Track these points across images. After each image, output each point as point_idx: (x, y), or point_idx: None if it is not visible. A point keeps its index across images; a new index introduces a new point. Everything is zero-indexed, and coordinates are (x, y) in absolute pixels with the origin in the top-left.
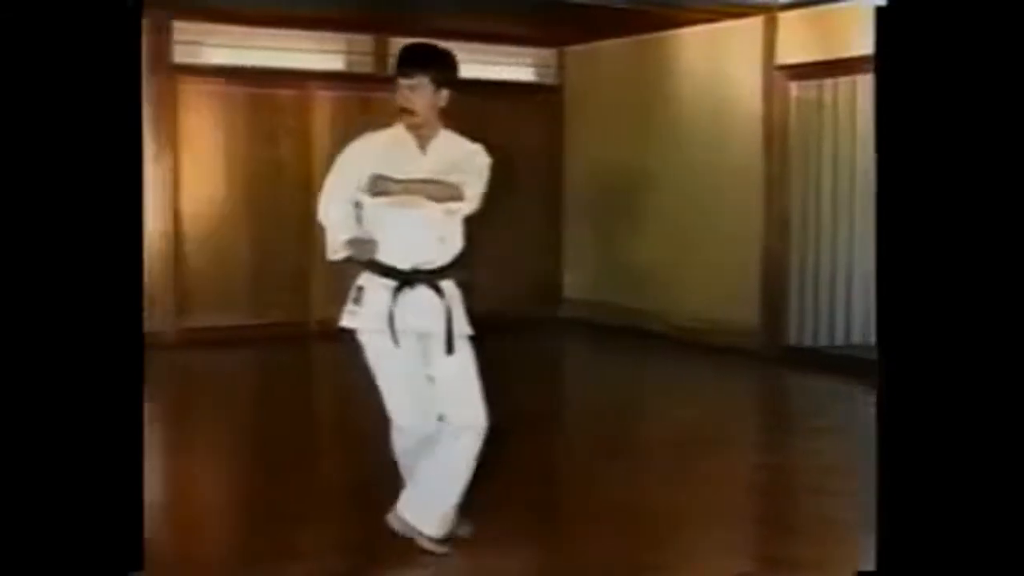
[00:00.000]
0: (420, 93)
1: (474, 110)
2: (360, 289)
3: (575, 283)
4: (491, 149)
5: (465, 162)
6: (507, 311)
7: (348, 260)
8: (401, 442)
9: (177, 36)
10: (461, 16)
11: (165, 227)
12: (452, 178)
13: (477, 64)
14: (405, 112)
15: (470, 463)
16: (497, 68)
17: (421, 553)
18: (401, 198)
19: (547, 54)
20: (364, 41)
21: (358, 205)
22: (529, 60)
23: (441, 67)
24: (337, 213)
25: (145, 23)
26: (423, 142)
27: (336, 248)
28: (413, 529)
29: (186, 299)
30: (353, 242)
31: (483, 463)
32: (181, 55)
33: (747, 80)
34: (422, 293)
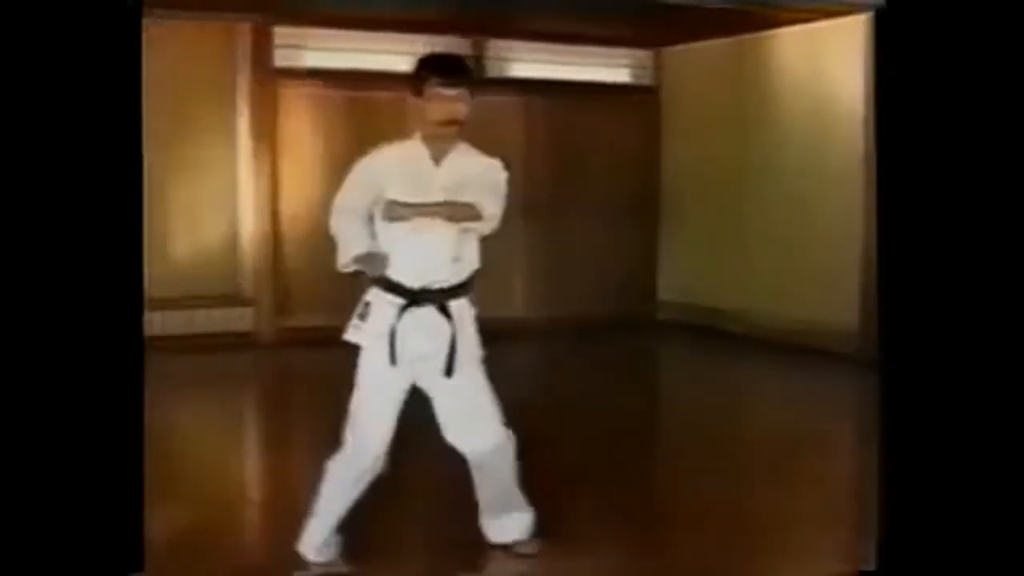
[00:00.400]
0: (465, 103)
1: (570, 112)
2: (367, 304)
3: (670, 285)
4: (587, 151)
5: (480, 178)
6: (601, 313)
7: (357, 274)
8: (343, 469)
9: (277, 40)
10: (557, 17)
11: (264, 229)
12: (467, 195)
13: (573, 66)
14: (449, 124)
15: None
16: (593, 70)
17: (515, 556)
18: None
19: (643, 55)
20: (461, 43)
21: (371, 219)
22: (625, 61)
23: (470, 76)
24: (349, 227)
25: (246, 28)
26: (438, 155)
27: (346, 262)
28: (531, 543)
29: (285, 300)
30: (364, 257)
31: (577, 467)
32: (281, 59)
33: (848, 80)
34: (427, 314)
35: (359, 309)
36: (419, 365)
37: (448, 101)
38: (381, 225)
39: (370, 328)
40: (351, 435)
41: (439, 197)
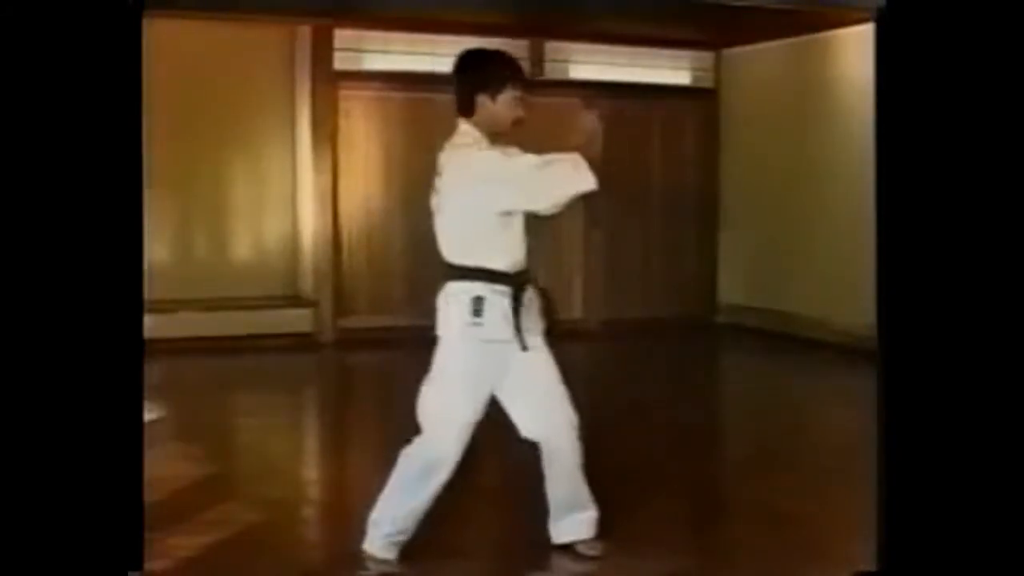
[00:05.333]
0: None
1: (631, 113)
2: (479, 299)
3: (732, 288)
4: (646, 152)
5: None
6: (662, 316)
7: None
8: (414, 463)
9: (337, 43)
10: (619, 19)
11: (325, 230)
12: None
13: (634, 67)
14: (518, 123)
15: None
16: (654, 71)
17: (576, 555)
18: None
19: (703, 57)
20: (520, 46)
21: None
22: (686, 63)
23: None
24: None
25: (307, 31)
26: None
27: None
28: (595, 544)
29: (345, 301)
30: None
31: (643, 471)
32: (341, 62)
33: None
34: (528, 297)
35: (470, 306)
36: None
37: (521, 102)
38: (483, 220)
39: (489, 321)
40: (427, 430)
41: None
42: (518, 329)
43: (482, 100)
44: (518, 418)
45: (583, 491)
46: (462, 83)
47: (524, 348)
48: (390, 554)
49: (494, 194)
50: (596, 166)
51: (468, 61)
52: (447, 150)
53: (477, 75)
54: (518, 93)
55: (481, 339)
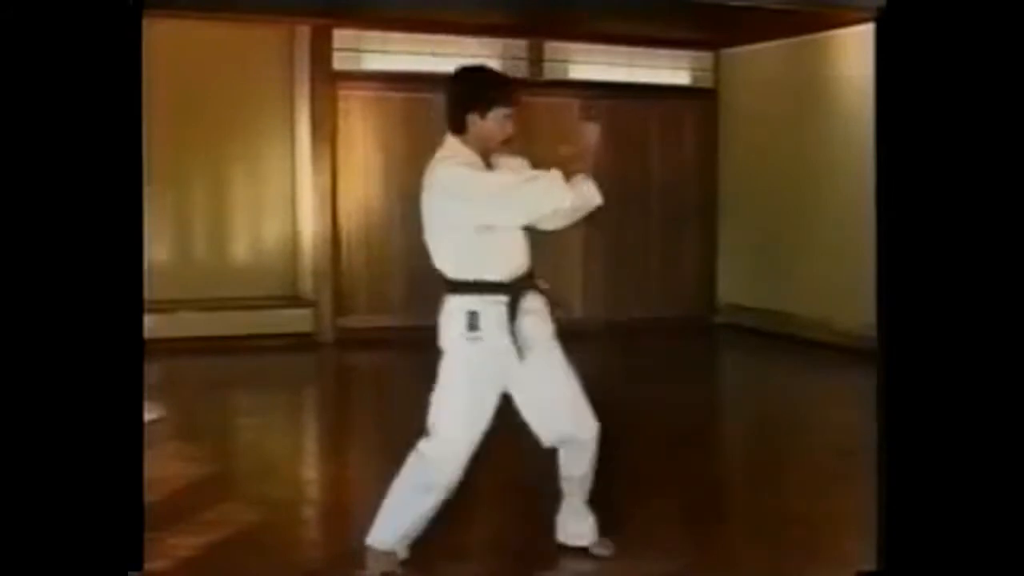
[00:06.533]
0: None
1: (630, 113)
2: (473, 314)
3: (731, 288)
4: (645, 152)
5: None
6: (661, 316)
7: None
8: (419, 471)
9: (336, 43)
10: (618, 19)
11: (324, 230)
12: None
13: (633, 68)
14: (508, 142)
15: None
16: (653, 71)
17: (582, 555)
18: None
19: (701, 57)
20: (518, 45)
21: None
22: (685, 63)
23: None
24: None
25: (306, 31)
26: (490, 164)
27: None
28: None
29: (344, 300)
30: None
31: (642, 471)
32: (340, 62)
33: None
34: (529, 302)
35: (466, 320)
36: (519, 355)
37: (510, 120)
38: (466, 233)
39: (486, 333)
40: (435, 436)
41: None
42: (515, 337)
43: (472, 118)
44: (537, 427)
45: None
46: (452, 101)
47: (521, 357)
48: (399, 550)
49: (465, 209)
50: (594, 175)
51: (458, 79)
52: (430, 164)
53: (467, 93)
54: (508, 111)
55: (479, 351)
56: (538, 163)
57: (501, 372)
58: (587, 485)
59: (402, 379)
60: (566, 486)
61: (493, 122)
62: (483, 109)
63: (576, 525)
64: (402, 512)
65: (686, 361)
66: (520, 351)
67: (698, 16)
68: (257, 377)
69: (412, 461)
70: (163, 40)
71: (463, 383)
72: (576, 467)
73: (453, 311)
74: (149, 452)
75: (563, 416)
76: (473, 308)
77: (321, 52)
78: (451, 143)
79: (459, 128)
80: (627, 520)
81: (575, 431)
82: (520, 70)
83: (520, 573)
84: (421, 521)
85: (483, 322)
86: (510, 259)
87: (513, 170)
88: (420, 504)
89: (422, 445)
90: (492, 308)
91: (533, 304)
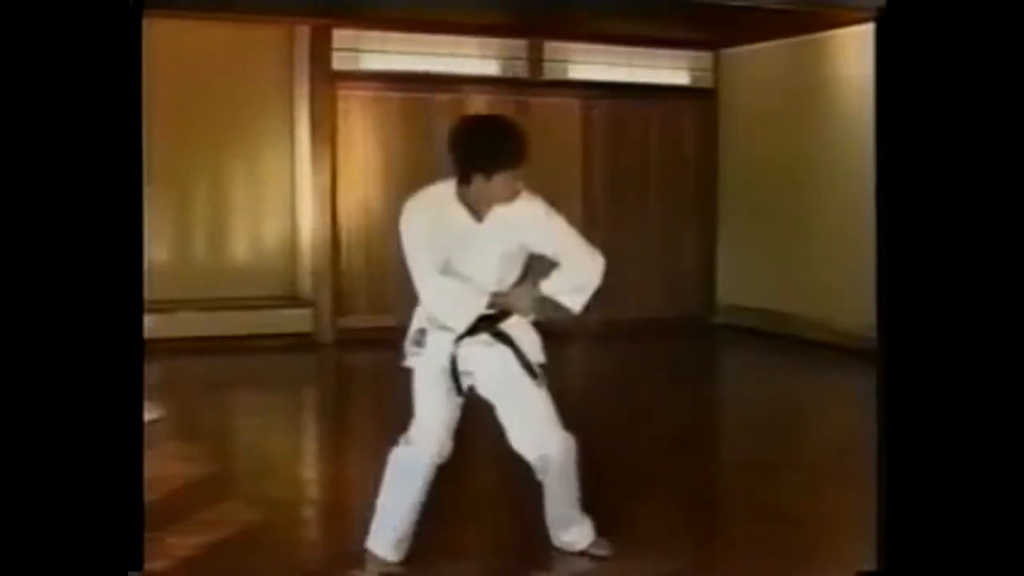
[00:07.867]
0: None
1: (630, 113)
2: (422, 332)
3: (730, 288)
4: (644, 152)
5: (531, 223)
6: (660, 316)
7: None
8: (401, 459)
9: (336, 43)
10: (617, 19)
11: (324, 230)
12: (515, 241)
13: (633, 67)
14: (510, 200)
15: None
16: (653, 71)
17: (582, 555)
18: None
19: (701, 57)
20: (518, 45)
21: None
22: (684, 63)
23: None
24: (448, 291)
25: (305, 31)
26: (481, 215)
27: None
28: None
29: (344, 301)
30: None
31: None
32: (340, 62)
33: None
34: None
35: (413, 335)
36: (478, 377)
37: (515, 180)
38: (430, 277)
39: (428, 355)
40: (413, 427)
41: (487, 252)
42: (455, 375)
43: (477, 178)
44: (508, 438)
45: (576, 508)
46: (459, 157)
47: (459, 393)
48: (395, 555)
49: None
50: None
51: (466, 137)
52: (414, 196)
53: (474, 154)
54: (517, 171)
55: (421, 365)
56: (536, 164)
57: (449, 386)
58: (574, 494)
59: (401, 379)
60: (548, 497)
61: (497, 184)
62: (489, 172)
63: (567, 534)
64: (393, 506)
65: (686, 361)
66: (458, 383)
67: (698, 16)
68: (257, 377)
69: (392, 454)
70: (163, 40)
71: (419, 383)
72: (555, 482)
73: (414, 318)
74: (149, 452)
75: (526, 444)
76: (423, 326)
77: (320, 52)
78: (441, 187)
79: (464, 181)
80: (626, 520)
81: (539, 456)
82: (520, 70)
83: (519, 573)
84: (413, 513)
85: (429, 342)
86: (468, 310)
87: (528, 213)
88: (408, 491)
89: (401, 437)
90: (440, 333)
91: (498, 340)
